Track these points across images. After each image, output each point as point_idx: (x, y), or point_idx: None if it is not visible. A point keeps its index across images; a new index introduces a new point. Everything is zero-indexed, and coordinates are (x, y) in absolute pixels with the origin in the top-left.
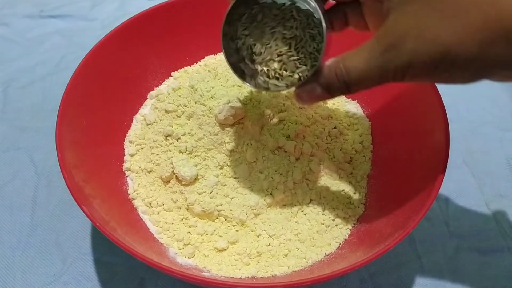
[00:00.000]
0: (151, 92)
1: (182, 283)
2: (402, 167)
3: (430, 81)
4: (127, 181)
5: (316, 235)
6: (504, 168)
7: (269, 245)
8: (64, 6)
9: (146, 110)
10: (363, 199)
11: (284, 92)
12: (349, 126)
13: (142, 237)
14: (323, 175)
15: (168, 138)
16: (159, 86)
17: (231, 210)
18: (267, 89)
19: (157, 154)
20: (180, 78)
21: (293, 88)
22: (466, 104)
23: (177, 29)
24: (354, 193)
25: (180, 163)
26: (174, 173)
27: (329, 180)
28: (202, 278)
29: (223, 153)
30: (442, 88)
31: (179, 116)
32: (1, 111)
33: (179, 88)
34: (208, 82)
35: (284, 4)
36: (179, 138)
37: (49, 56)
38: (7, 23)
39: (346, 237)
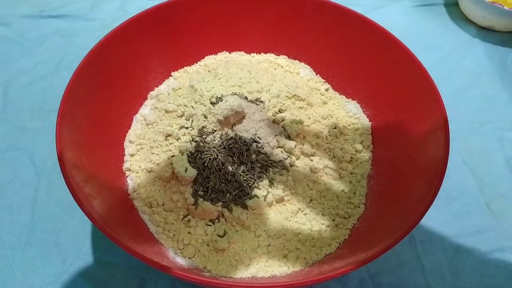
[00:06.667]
0: (151, 92)
1: (182, 283)
2: (402, 167)
3: None
4: (127, 181)
5: (316, 235)
6: (504, 168)
7: (269, 245)
8: (64, 6)
9: (146, 110)
10: (363, 199)
11: (285, 91)
12: (349, 126)
13: (142, 237)
14: (323, 175)
15: (168, 138)
16: (159, 86)
17: (230, 210)
18: None
19: (157, 154)
20: (180, 78)
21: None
22: (466, 104)
23: (177, 29)
24: (354, 193)
25: (180, 163)
26: (174, 173)
27: (329, 180)
28: (202, 278)
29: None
30: (442, 88)
31: (179, 116)
32: (1, 111)
33: (179, 88)
34: (208, 82)
35: None
36: (179, 138)
37: (49, 56)
38: (7, 23)
39: (346, 237)
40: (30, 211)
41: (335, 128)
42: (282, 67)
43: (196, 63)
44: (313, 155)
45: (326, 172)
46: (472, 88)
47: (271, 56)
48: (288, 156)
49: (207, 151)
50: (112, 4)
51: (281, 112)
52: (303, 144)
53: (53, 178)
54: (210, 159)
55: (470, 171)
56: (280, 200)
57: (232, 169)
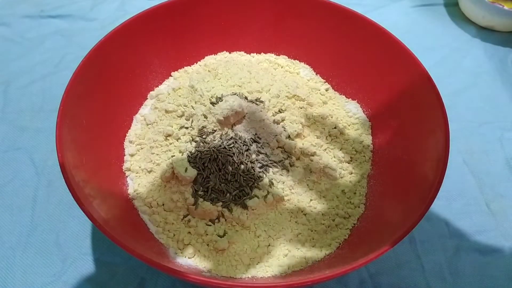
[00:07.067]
0: (151, 92)
1: (182, 283)
2: (402, 167)
3: None
4: (127, 181)
5: (316, 235)
6: (504, 168)
7: (269, 245)
8: (64, 6)
9: (146, 110)
10: (363, 199)
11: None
12: (349, 126)
13: (142, 237)
14: (323, 175)
15: (168, 138)
16: (159, 86)
17: (231, 210)
18: None
19: (157, 154)
20: (180, 78)
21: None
22: (466, 104)
23: (177, 29)
24: (354, 193)
25: (180, 163)
26: (174, 173)
27: (329, 180)
28: (202, 278)
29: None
30: (442, 88)
31: (179, 116)
32: (1, 111)
33: (179, 88)
34: (208, 82)
35: None
36: (179, 138)
37: (49, 56)
38: (7, 23)
39: (346, 237)
40: (30, 211)
41: (335, 128)
42: (282, 67)
43: (196, 63)
44: (313, 155)
45: (326, 172)
46: (472, 88)
47: (271, 56)
48: (288, 156)
49: (207, 151)
50: (112, 4)
51: (281, 112)
52: (303, 144)
53: (53, 178)
54: (210, 159)
55: (470, 171)
56: (280, 200)
57: (232, 169)
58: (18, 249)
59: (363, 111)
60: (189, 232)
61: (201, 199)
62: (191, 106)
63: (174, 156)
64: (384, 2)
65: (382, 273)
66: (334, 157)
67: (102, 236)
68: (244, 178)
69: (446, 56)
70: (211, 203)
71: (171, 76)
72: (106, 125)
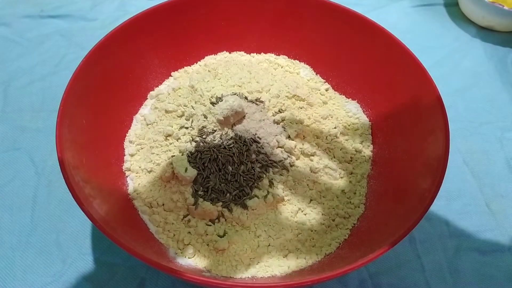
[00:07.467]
0: (151, 92)
1: (182, 283)
2: (402, 167)
3: None
4: (127, 181)
5: (316, 235)
6: (504, 168)
7: (269, 245)
8: (64, 6)
9: (146, 110)
10: (363, 199)
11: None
12: (349, 126)
13: (142, 237)
14: (323, 175)
15: (168, 138)
16: (159, 86)
17: (231, 210)
18: None
19: (157, 154)
20: (180, 78)
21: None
22: (466, 104)
23: (177, 29)
24: (354, 193)
25: (180, 163)
26: (174, 173)
27: (329, 180)
28: (202, 278)
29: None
30: (442, 88)
31: (179, 116)
32: (1, 111)
33: (179, 88)
34: (208, 82)
35: None
36: (179, 138)
37: (49, 56)
38: (7, 23)
39: (346, 237)
40: (30, 211)
41: (335, 128)
42: (282, 67)
43: (196, 63)
44: (313, 155)
45: (326, 172)
46: (472, 88)
47: (271, 56)
48: (288, 156)
49: (207, 151)
50: (112, 4)
51: (281, 112)
52: (303, 144)
53: (53, 178)
54: (210, 159)
55: (470, 171)
56: (280, 200)
57: (232, 169)
58: (18, 249)
59: (363, 111)
60: (189, 232)
61: (201, 199)
62: (191, 106)
63: (174, 156)
64: (384, 2)
65: (382, 273)
66: (334, 157)
67: (102, 236)
68: (244, 178)
69: (446, 56)
70: (211, 203)
71: (171, 76)
72: (106, 125)
